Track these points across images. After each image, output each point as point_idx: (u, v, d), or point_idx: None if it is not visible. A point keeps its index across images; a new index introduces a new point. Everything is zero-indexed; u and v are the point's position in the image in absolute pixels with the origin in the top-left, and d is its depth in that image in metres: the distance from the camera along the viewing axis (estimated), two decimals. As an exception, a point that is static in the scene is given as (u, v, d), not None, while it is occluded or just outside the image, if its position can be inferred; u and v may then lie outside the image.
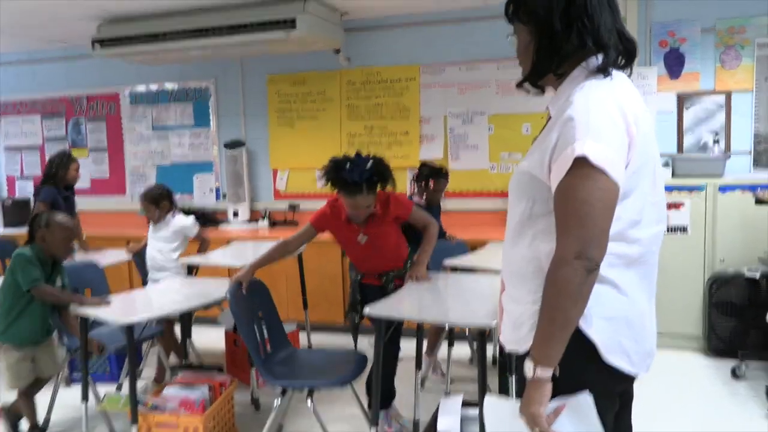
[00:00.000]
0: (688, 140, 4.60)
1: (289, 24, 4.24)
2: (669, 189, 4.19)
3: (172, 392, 3.12)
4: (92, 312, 2.95)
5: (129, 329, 2.85)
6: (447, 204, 4.96)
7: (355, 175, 2.85)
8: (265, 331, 3.05)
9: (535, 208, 1.46)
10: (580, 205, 1.31)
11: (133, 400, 2.89)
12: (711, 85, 4.54)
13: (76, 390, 3.24)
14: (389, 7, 4.82)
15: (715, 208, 4.16)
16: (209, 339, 4.65)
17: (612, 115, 1.35)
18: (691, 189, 4.19)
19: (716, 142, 4.49)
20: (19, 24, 4.92)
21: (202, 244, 4.22)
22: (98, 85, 6.03)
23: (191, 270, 4.04)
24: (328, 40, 4.73)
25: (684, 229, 4.22)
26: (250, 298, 3.02)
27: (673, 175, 4.33)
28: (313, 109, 5.42)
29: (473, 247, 4.10)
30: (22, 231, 5.40)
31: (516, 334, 1.54)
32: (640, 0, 4.56)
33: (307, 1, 4.30)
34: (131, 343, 2.87)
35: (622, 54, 1.48)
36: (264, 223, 5.48)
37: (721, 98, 4.51)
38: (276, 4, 4.36)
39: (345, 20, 5.03)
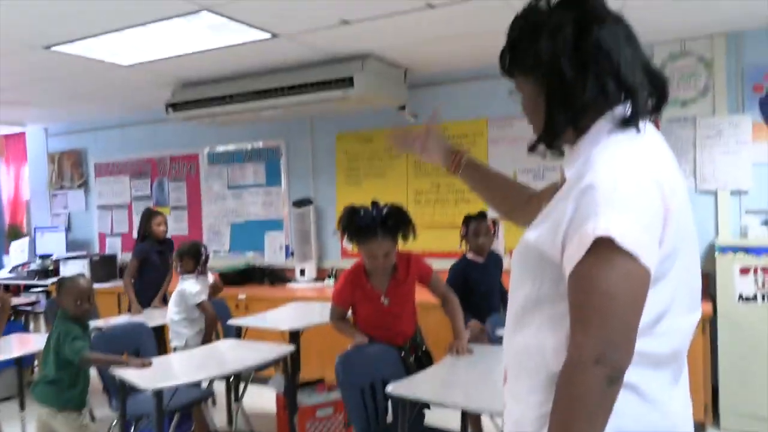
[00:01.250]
0: (792, 195, 4.05)
1: (348, 83, 4.20)
2: (769, 251, 3.67)
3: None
4: (122, 374, 2.91)
5: (158, 395, 2.78)
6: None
7: (368, 219, 2.72)
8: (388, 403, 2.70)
9: (543, 290, 1.19)
10: (602, 299, 1.04)
11: (160, 471, 2.79)
12: (818, 132, 4.00)
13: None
14: (454, 62, 4.69)
15: (828, 273, 3.57)
16: (264, 401, 4.52)
17: (644, 184, 1.08)
18: (796, 251, 3.64)
19: (828, 197, 3.92)
20: (103, 93, 5.26)
21: (206, 321, 3.80)
22: (180, 147, 6.30)
23: (239, 332, 3.95)
24: (390, 97, 4.66)
25: (790, 298, 3.64)
26: (368, 366, 2.74)
27: (775, 235, 3.80)
28: (380, 166, 5.33)
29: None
30: (106, 286, 5.70)
31: None
32: (729, 41, 4.13)
33: (365, 60, 4.26)
34: (159, 410, 2.79)
35: (651, 95, 1.19)
36: (330, 282, 5.37)
37: (832, 147, 3.95)
38: (336, 64, 4.36)
39: (409, 76, 4.95)
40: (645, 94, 1.17)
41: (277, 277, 5.64)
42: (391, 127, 5.23)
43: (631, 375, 1.10)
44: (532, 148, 1.28)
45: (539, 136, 1.25)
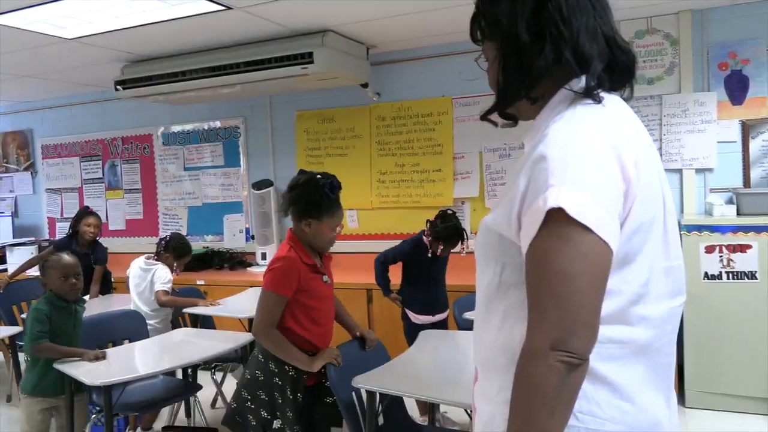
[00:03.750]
0: (755, 173, 4.05)
1: (308, 58, 4.02)
2: (734, 229, 3.66)
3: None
4: (69, 370, 2.73)
5: (106, 391, 2.61)
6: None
7: (336, 188, 2.49)
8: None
9: (505, 275, 1.10)
10: (557, 278, 0.95)
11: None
12: (781, 110, 3.99)
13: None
14: (417, 39, 4.54)
15: (791, 251, 3.58)
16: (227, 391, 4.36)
17: (599, 154, 0.99)
18: (759, 229, 3.63)
19: (790, 175, 3.93)
20: (48, 69, 4.95)
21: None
22: (132, 127, 6.01)
23: (195, 321, 3.80)
24: (352, 75, 4.49)
25: (752, 276, 3.65)
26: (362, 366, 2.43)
27: (739, 213, 3.78)
28: (342, 146, 5.17)
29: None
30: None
31: None
32: (695, 18, 4.08)
33: (325, 35, 4.08)
34: (108, 407, 2.62)
35: (614, 69, 1.12)
36: (293, 266, 5.21)
37: (794, 125, 3.96)
38: (295, 38, 4.17)
39: (372, 53, 4.80)
40: (601, 65, 1.10)
41: (237, 261, 5.46)
42: (354, 106, 5.07)
43: (605, 367, 1.03)
44: (483, 116, 1.22)
45: (493, 104, 1.19)
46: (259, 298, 2.46)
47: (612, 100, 1.11)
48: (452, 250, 3.62)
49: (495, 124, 1.24)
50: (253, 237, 5.45)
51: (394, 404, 2.35)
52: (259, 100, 5.42)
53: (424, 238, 3.62)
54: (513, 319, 1.08)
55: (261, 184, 5.32)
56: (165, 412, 3.70)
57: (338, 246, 5.06)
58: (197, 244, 5.71)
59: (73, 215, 6.22)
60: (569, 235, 0.94)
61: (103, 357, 2.88)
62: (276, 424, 2.38)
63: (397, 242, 3.82)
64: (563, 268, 0.94)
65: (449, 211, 3.64)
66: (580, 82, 1.09)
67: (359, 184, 5.06)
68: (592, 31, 1.09)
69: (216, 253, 5.53)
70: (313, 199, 2.48)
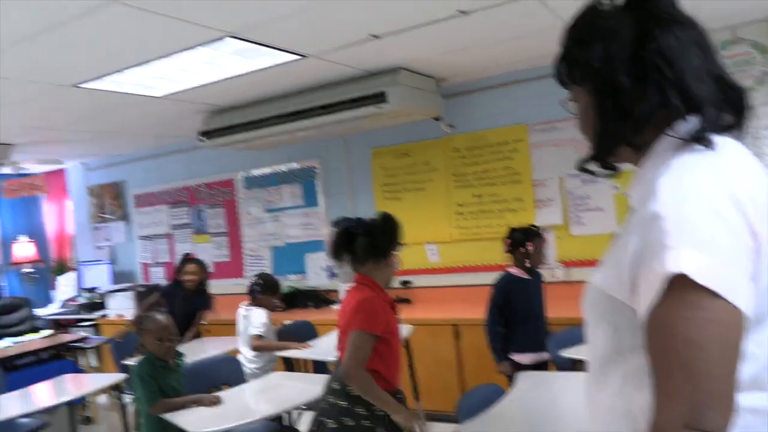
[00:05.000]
0: None
1: (381, 98, 4.07)
2: None
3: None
4: (176, 419, 2.81)
5: (208, 440, 2.68)
6: (572, 274, 4.43)
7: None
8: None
9: (620, 339, 1.03)
10: (686, 348, 0.87)
11: None
12: None
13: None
14: (488, 68, 4.51)
15: None
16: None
17: (720, 208, 0.90)
18: None
19: None
20: (137, 125, 5.25)
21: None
22: (215, 173, 6.27)
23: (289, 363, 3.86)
24: (425, 109, 4.51)
25: None
26: None
27: None
28: (419, 180, 5.18)
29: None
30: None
31: None
32: (785, 25, 3.87)
33: (397, 73, 4.12)
34: (210, 456, 2.68)
35: (724, 109, 1.02)
36: (376, 302, 5.22)
37: None
38: (367, 79, 4.23)
39: (443, 86, 4.80)
40: (714, 108, 1.00)
41: (321, 299, 5.53)
42: (428, 140, 5.08)
43: None
44: (581, 167, 1.15)
45: (590, 153, 1.11)
46: (349, 339, 2.47)
47: (725, 143, 1.00)
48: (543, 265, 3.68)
49: (593, 173, 1.18)
50: (335, 275, 5.51)
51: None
52: (334, 140, 5.53)
53: (511, 270, 3.57)
54: (633, 385, 1.01)
55: (338, 222, 5.37)
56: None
57: (421, 281, 5.12)
58: (282, 284, 5.84)
59: (164, 260, 6.63)
60: (695, 301, 0.87)
61: (219, 401, 2.98)
62: None
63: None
64: (692, 337, 0.87)
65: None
66: (688, 126, 1.00)
67: (438, 217, 5.04)
68: (699, 72, 1.01)
69: (300, 292, 5.62)
70: (394, 232, 2.68)
